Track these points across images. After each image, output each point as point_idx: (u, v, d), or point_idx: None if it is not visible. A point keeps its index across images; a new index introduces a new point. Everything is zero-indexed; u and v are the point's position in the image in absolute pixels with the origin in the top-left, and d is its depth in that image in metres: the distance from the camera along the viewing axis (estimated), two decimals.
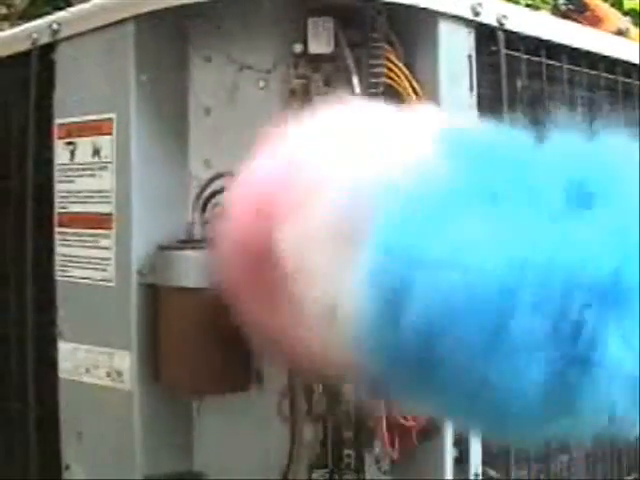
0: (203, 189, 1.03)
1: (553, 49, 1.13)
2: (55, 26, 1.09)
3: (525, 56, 1.09)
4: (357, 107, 0.72)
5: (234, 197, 0.74)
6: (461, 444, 1.00)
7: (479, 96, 1.03)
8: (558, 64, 1.15)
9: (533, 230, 0.52)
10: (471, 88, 1.02)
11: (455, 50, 1.01)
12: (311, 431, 1.00)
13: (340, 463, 0.99)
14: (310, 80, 1.03)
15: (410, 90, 0.98)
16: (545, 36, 1.11)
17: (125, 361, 1.01)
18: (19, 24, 1.50)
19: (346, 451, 0.98)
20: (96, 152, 1.04)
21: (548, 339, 0.50)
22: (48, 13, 1.14)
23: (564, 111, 1.16)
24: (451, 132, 0.63)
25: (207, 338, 0.97)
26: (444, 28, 0.99)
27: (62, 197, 1.09)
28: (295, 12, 1.01)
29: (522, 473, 1.09)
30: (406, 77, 0.99)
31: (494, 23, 1.04)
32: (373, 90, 1.00)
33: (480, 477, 1.02)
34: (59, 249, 1.09)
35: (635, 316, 0.50)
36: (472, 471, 1.01)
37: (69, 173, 1.08)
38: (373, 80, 1.00)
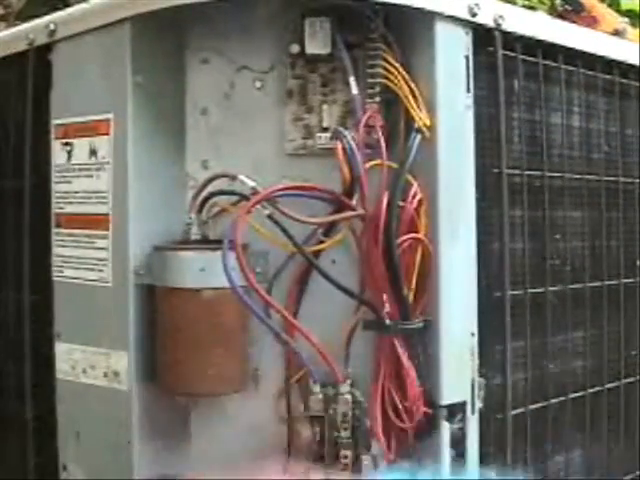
0: (200, 190, 1.03)
1: (550, 49, 1.13)
2: (52, 26, 1.09)
3: (522, 56, 1.09)
4: None
5: None
6: (458, 444, 1.00)
7: (476, 96, 1.03)
8: (555, 64, 1.15)
9: None
10: (468, 88, 1.02)
11: (452, 50, 1.01)
12: (308, 431, 1.00)
13: (337, 464, 0.99)
14: (307, 80, 1.03)
15: (407, 90, 0.98)
16: (542, 36, 1.11)
17: (122, 361, 1.01)
18: (16, 24, 1.50)
19: (343, 452, 0.99)
20: (93, 153, 1.04)
21: None
22: (45, 14, 1.14)
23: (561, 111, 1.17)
24: None
25: (203, 339, 0.97)
26: (441, 29, 0.99)
27: (59, 197, 1.09)
28: (292, 13, 1.01)
29: (519, 473, 1.09)
30: (403, 77, 0.99)
31: (491, 23, 1.05)
32: (370, 90, 1.00)
33: (477, 477, 1.02)
34: (56, 249, 1.09)
35: None
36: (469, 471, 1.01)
37: (66, 174, 1.08)
38: (370, 80, 1.00)
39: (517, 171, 1.09)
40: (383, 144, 0.98)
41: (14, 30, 1.22)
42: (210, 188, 1.02)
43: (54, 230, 1.09)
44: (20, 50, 1.14)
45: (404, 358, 0.96)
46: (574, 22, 1.59)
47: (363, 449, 0.99)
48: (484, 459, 1.03)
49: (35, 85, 1.11)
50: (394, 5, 0.97)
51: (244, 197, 0.98)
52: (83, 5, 1.07)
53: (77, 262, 1.06)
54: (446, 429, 0.99)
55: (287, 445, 1.03)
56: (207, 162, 1.06)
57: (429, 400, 0.97)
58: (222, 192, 1.02)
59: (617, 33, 1.71)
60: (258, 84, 1.05)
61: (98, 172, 1.04)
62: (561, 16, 1.74)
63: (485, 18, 1.04)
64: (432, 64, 0.99)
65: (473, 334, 1.02)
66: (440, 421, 0.98)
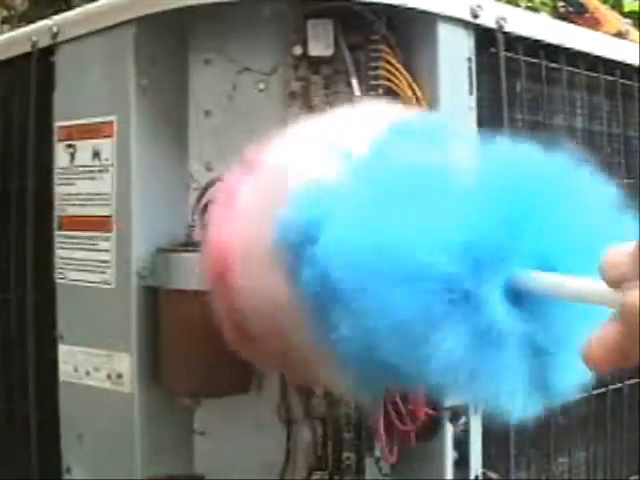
0: (203, 192, 1.03)
1: (552, 51, 1.13)
2: (55, 29, 1.09)
3: (524, 58, 1.09)
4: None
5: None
6: (461, 446, 1.00)
7: (478, 98, 1.03)
8: (557, 66, 1.15)
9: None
10: (470, 90, 1.02)
11: (454, 52, 1.01)
12: (310, 433, 1.00)
13: (340, 465, 0.99)
14: (310, 82, 1.03)
15: (409, 92, 0.98)
16: (544, 38, 1.11)
17: (125, 363, 1.01)
18: (19, 27, 1.51)
19: (346, 453, 0.99)
20: (96, 155, 1.04)
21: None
22: (49, 16, 1.14)
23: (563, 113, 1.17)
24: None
25: (207, 340, 0.97)
26: (443, 30, 0.99)
27: (62, 200, 1.09)
28: (295, 14, 1.01)
29: (522, 475, 1.09)
30: (405, 79, 0.99)
31: (493, 25, 1.05)
32: (373, 92, 1.00)
33: (480, 479, 1.02)
34: (59, 252, 1.09)
35: None
36: (472, 473, 1.01)
37: (69, 176, 1.08)
38: (372, 82, 1.00)
39: None
40: None
41: (17, 32, 1.22)
42: (213, 190, 1.02)
43: (57, 232, 1.09)
44: (23, 52, 1.14)
45: None
46: (577, 24, 1.59)
47: (365, 451, 0.99)
48: (487, 460, 1.03)
49: (38, 87, 1.11)
50: (396, 7, 0.97)
51: None
52: (86, 7, 1.08)
53: (80, 264, 1.07)
54: (449, 431, 0.99)
55: (289, 447, 1.03)
56: (210, 163, 1.06)
57: (432, 402, 0.97)
58: None
59: (620, 35, 1.71)
60: (261, 86, 1.05)
61: (101, 174, 1.04)
62: (564, 18, 1.74)
63: (487, 19, 1.04)
64: (434, 66, 0.99)
65: None
66: (443, 422, 0.98)
